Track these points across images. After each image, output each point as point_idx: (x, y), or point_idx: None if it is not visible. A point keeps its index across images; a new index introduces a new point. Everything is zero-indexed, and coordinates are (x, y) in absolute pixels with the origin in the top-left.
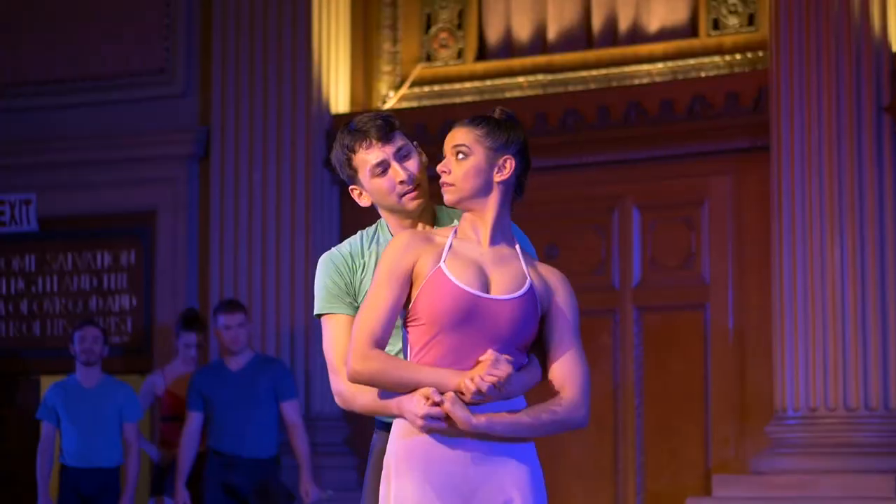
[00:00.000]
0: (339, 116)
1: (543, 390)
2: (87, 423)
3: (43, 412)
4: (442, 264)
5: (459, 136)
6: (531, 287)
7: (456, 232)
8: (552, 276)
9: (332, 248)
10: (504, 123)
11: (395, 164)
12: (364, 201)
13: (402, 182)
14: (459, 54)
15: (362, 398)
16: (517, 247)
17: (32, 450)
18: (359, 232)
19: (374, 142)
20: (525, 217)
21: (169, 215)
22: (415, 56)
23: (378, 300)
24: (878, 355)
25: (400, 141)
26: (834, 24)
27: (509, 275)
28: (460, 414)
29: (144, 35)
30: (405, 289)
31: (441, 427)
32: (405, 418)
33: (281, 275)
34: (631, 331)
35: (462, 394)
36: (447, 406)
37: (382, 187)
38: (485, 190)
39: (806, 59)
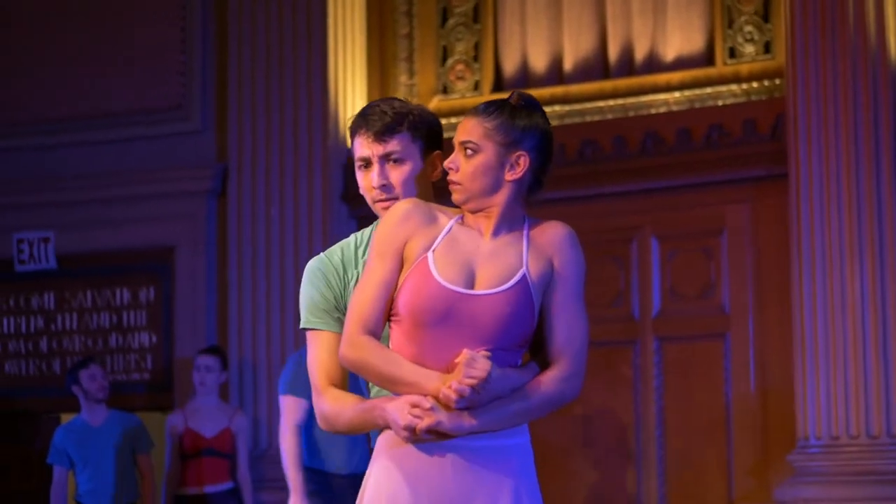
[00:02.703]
0: None
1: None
2: (100, 461)
3: (54, 456)
4: (429, 254)
5: (467, 130)
6: (523, 277)
7: (462, 218)
8: (552, 243)
9: (322, 254)
10: (520, 112)
11: (375, 167)
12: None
13: (374, 187)
14: (476, 86)
15: (346, 415)
16: (524, 231)
17: None
18: (353, 235)
19: (368, 134)
20: None
21: (187, 251)
22: (431, 88)
23: (369, 280)
24: None
25: (397, 145)
26: (850, 50)
27: (501, 266)
28: (447, 424)
29: (161, 72)
30: (397, 265)
31: (425, 438)
32: (389, 427)
33: (300, 309)
34: (651, 361)
35: (443, 401)
36: (432, 421)
37: (361, 183)
38: (493, 188)
39: (823, 85)
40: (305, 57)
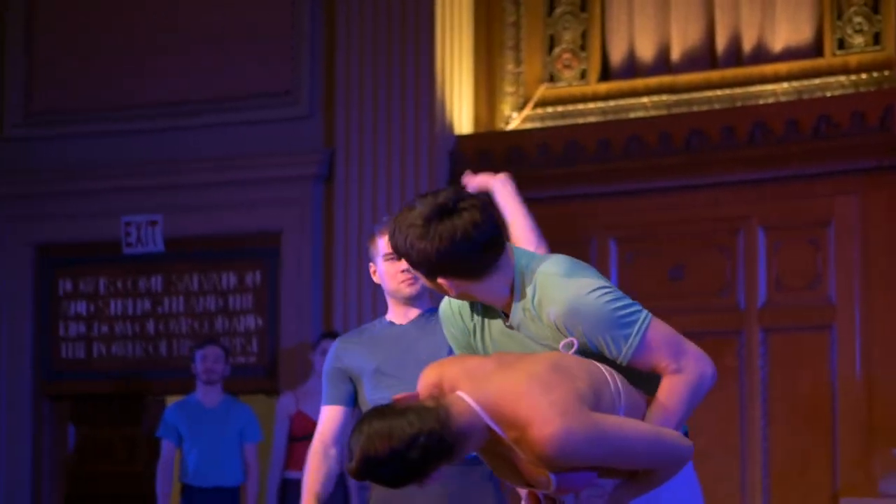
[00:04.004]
0: (462, 137)
1: None
2: (208, 443)
3: (163, 431)
4: None
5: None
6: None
7: None
8: (539, 457)
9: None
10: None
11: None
12: None
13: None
14: (583, 75)
15: None
16: (499, 436)
17: None
18: None
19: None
20: (650, 238)
21: (294, 236)
22: (538, 77)
23: None
24: None
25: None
26: None
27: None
28: None
29: (269, 57)
30: None
31: None
32: None
33: None
34: (757, 352)
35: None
36: None
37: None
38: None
39: None
40: (413, 43)
